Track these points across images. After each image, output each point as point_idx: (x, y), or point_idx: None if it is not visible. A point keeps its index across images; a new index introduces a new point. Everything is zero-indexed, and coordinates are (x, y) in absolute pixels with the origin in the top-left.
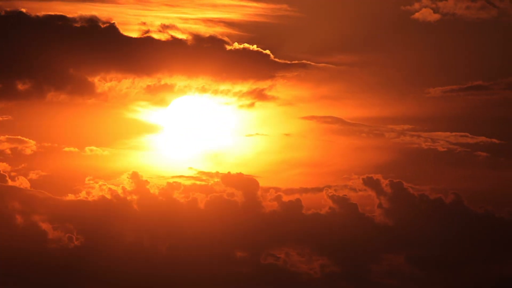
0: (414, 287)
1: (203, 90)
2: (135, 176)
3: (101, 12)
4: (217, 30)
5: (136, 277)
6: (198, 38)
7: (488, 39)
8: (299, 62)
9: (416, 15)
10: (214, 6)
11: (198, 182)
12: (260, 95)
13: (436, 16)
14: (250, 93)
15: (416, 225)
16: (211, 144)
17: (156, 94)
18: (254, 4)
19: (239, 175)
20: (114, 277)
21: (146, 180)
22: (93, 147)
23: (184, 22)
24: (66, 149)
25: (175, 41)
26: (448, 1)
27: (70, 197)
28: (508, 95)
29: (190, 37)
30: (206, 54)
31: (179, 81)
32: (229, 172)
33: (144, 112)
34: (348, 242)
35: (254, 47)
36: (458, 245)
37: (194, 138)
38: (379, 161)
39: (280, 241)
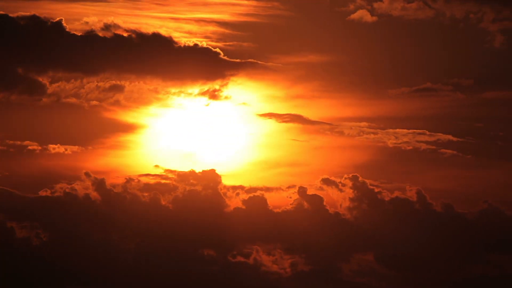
0: (385, 286)
1: (156, 91)
2: (89, 174)
3: (90, 11)
4: (208, 29)
5: (104, 274)
6: (141, 36)
7: (429, 40)
8: (246, 61)
9: (352, 16)
10: (206, 5)
11: (163, 181)
12: (214, 95)
13: (374, 18)
14: (204, 93)
15: (383, 224)
16: (179, 144)
17: (108, 93)
18: (245, 2)
19: (203, 173)
20: (83, 273)
21: (103, 178)
22: (57, 145)
23: (175, 21)
24: (30, 147)
25: (118, 39)
26: (384, 1)
27: (35, 194)
28: (456, 96)
29: (133, 35)
30: (152, 52)
31: (128, 80)
32: (192, 170)
33: (116, 112)
34: (317, 241)
35: (204, 44)
36: (426, 244)
37: (164, 137)
38: (345, 160)
39: (249, 239)
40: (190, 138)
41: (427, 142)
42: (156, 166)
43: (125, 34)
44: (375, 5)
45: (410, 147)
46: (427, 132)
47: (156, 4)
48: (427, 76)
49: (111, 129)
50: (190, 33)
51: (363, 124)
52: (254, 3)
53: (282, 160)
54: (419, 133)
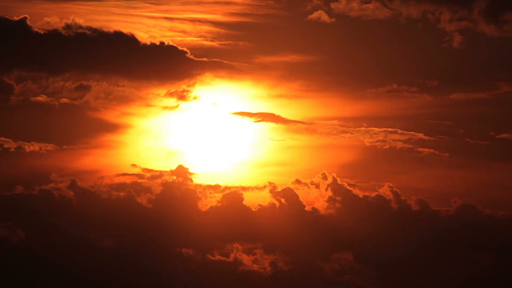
0: (368, 285)
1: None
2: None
3: (82, 10)
4: (203, 29)
5: (82, 272)
6: (103, 35)
7: (390, 40)
8: (211, 60)
9: (310, 17)
10: (200, 3)
11: (139, 180)
12: (182, 96)
13: (332, 19)
14: (172, 93)
15: (360, 223)
16: (159, 143)
17: (76, 93)
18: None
19: (177, 172)
20: (60, 271)
21: (75, 178)
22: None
23: (169, 21)
24: (5, 145)
25: (80, 38)
26: (341, 2)
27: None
28: (424, 97)
29: (95, 34)
30: (114, 51)
31: (94, 80)
32: (170, 170)
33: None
34: (296, 240)
35: (169, 43)
36: (404, 243)
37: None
38: (323, 159)
39: (227, 238)
40: (167, 138)
41: (403, 141)
42: (133, 165)
43: (88, 33)
44: (332, 5)
45: (387, 146)
46: (399, 131)
47: (150, 3)
48: (392, 77)
49: (84, 127)
50: (184, 32)
51: (335, 123)
52: (248, 1)
53: (259, 160)
54: (391, 132)
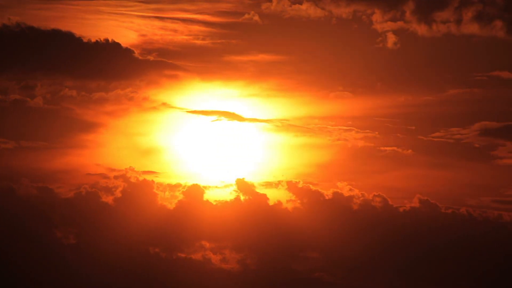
0: (338, 281)
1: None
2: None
3: (71, 9)
4: (195, 28)
5: (48, 270)
6: (41, 33)
7: (327, 41)
8: (157, 59)
9: (242, 18)
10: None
11: (104, 179)
12: (130, 96)
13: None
14: (120, 93)
15: (324, 223)
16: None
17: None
18: None
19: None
20: (26, 269)
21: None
22: None
23: (161, 21)
24: None
25: (17, 36)
26: (272, 2)
27: None
28: (366, 99)
29: (33, 32)
30: (56, 50)
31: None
32: (130, 167)
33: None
34: (261, 238)
35: (113, 42)
36: (367, 241)
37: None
38: (290, 158)
39: (195, 236)
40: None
41: (363, 139)
42: (97, 164)
43: (26, 32)
44: (263, 6)
45: (350, 145)
46: (355, 129)
47: (141, 2)
48: (339, 80)
49: (39, 124)
50: (175, 31)
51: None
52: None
53: (222, 159)
54: (346, 130)
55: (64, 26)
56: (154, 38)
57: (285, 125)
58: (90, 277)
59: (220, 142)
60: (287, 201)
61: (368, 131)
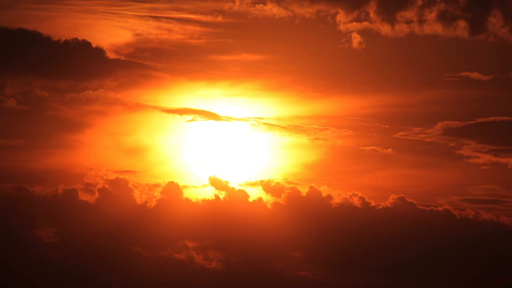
0: (322, 280)
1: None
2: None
3: (65, 9)
4: (189, 28)
5: (30, 269)
6: (4, 32)
7: (294, 42)
8: (128, 59)
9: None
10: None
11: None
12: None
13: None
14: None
15: (303, 224)
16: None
17: None
18: None
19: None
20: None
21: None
22: None
23: (156, 20)
24: None
25: None
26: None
27: None
28: (336, 99)
29: None
30: (23, 49)
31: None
32: (108, 167)
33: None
34: (245, 236)
35: (84, 41)
36: (346, 239)
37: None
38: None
39: (177, 236)
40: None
41: (343, 138)
42: (77, 164)
43: None
44: (226, 6)
45: (329, 144)
46: (332, 128)
47: (136, 1)
48: (307, 80)
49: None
50: (170, 30)
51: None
52: None
53: (202, 159)
54: (322, 129)
55: (59, 25)
56: (149, 38)
57: (260, 124)
58: (72, 276)
59: (201, 142)
60: (266, 200)
61: (345, 130)
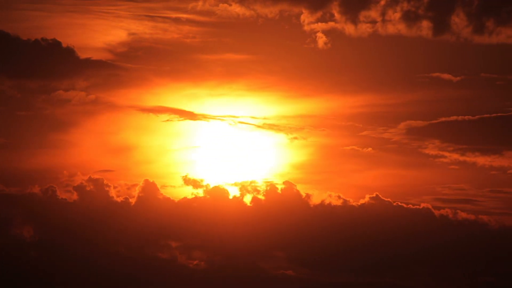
0: (306, 277)
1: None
2: None
3: (59, 8)
4: (184, 28)
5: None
6: None
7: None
8: (98, 59)
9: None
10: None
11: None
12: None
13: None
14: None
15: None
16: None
17: None
18: None
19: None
20: None
21: None
22: None
23: (151, 19)
24: None
25: None
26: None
27: None
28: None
29: None
30: None
31: None
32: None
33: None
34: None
35: (54, 40)
36: (325, 238)
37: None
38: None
39: (159, 234)
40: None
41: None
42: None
43: None
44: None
45: (308, 143)
46: (307, 128)
47: (132, 0)
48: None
49: None
50: (165, 30)
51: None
52: None
53: (180, 158)
54: (299, 128)
55: (51, 25)
56: (144, 37)
57: (236, 123)
58: (53, 275)
59: (180, 142)
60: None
61: (322, 129)
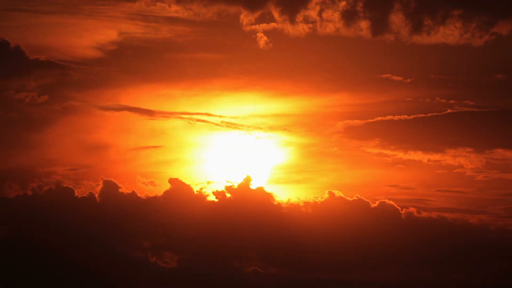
0: (274, 272)
1: None
2: None
3: (49, 8)
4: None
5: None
6: None
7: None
8: (48, 60)
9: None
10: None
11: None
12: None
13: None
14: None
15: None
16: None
17: None
18: None
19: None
20: None
21: None
22: None
23: (144, 19)
24: None
25: None
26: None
27: None
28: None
29: None
30: None
31: None
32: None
33: None
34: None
35: (3, 40)
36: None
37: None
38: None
39: (132, 234)
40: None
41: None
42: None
43: None
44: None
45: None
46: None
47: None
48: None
49: None
50: (157, 30)
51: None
52: None
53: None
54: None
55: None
56: (135, 36)
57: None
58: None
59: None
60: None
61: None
